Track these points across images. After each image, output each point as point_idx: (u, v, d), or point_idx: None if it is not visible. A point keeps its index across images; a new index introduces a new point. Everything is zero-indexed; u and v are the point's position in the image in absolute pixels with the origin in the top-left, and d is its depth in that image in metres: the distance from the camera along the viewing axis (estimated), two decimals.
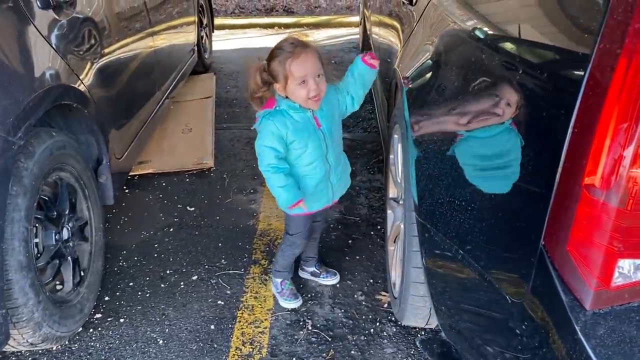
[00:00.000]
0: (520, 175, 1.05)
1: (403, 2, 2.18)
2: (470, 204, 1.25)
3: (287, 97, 1.73)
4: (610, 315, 0.89)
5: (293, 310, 2.09)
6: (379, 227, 2.57)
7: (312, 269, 2.22)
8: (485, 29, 1.35)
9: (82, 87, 2.03)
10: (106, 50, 2.30)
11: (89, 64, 2.13)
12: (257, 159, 1.78)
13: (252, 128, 1.82)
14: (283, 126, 1.72)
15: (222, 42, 5.87)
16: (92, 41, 2.19)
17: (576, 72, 0.91)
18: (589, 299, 0.89)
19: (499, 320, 1.20)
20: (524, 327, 1.07)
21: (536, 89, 1.02)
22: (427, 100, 1.56)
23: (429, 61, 1.62)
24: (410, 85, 1.72)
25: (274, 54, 1.70)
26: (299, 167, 1.80)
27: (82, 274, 2.05)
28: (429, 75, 1.61)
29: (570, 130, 0.90)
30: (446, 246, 1.38)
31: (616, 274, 0.88)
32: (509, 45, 1.19)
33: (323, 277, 2.22)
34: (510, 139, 1.09)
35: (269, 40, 6.06)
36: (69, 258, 1.94)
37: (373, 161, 3.17)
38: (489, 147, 1.20)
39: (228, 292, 2.18)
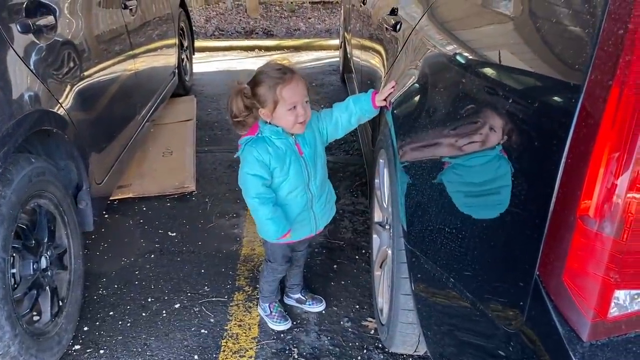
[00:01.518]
0: (512, 203, 1.04)
1: (387, 28, 2.20)
2: (461, 232, 1.24)
3: (269, 123, 1.71)
4: (608, 346, 0.88)
5: (282, 333, 2.06)
6: (363, 251, 2.55)
7: (298, 295, 2.19)
8: (473, 56, 1.36)
9: (61, 112, 1.99)
10: (86, 74, 2.27)
11: (68, 88, 2.09)
12: (242, 189, 1.75)
13: (234, 157, 1.79)
14: (265, 152, 1.70)
15: (203, 64, 5.86)
16: (72, 64, 2.16)
17: (568, 102, 0.91)
18: (586, 330, 0.88)
19: (491, 350, 1.19)
20: (518, 357, 1.05)
21: (528, 118, 1.02)
22: (415, 127, 1.56)
23: (416, 88, 1.63)
24: (396, 112, 1.72)
25: (259, 79, 1.68)
26: (280, 195, 1.78)
27: (61, 303, 1.98)
28: (416, 102, 1.61)
29: (563, 159, 0.90)
30: (436, 274, 1.37)
31: (613, 305, 0.87)
32: (500, 74, 1.20)
33: (309, 305, 2.18)
34: (501, 166, 1.09)
35: (250, 62, 6.08)
36: (47, 288, 1.88)
37: (356, 184, 3.16)
38: (480, 175, 1.19)
39: (212, 320, 2.13)
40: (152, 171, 3.28)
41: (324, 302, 2.20)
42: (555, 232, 0.93)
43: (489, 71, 1.26)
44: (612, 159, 0.85)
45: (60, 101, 2.00)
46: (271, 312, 2.10)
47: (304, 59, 6.22)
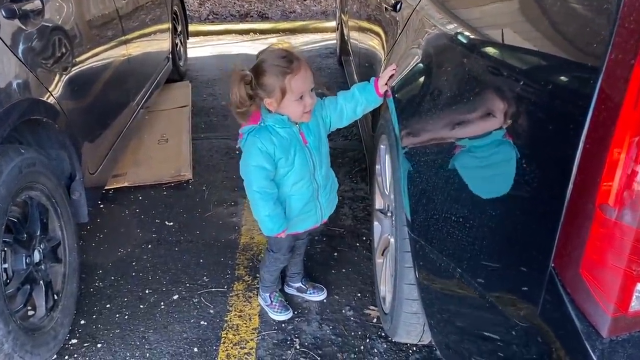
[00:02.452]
0: (525, 191, 0.99)
1: (386, 8, 2.13)
2: (469, 220, 1.19)
3: (273, 112, 1.64)
4: (629, 342, 0.84)
5: (283, 323, 2.03)
6: (364, 238, 2.50)
7: (298, 284, 2.15)
8: (479, 36, 1.30)
9: (51, 100, 1.92)
10: (77, 60, 2.20)
11: (58, 76, 2.02)
12: (244, 180, 1.69)
13: (237, 146, 1.73)
14: (269, 143, 1.63)
15: (197, 49, 5.76)
16: (62, 51, 2.08)
17: (585, 84, 0.85)
18: (606, 325, 0.84)
19: (501, 343, 1.15)
20: (530, 351, 1.01)
21: (541, 101, 0.97)
22: (418, 111, 1.50)
23: (419, 70, 1.56)
24: (398, 96, 1.66)
25: (264, 67, 1.58)
26: (285, 186, 1.71)
27: (56, 297, 1.93)
28: (419, 85, 1.55)
29: (581, 145, 0.84)
30: (442, 264, 1.32)
31: (634, 299, 0.83)
32: (509, 55, 1.14)
33: (310, 293, 2.14)
34: (513, 152, 1.04)
35: (245, 46, 5.99)
36: (41, 282, 1.83)
37: (355, 170, 3.11)
38: (489, 160, 1.14)
39: (211, 311, 2.09)
40: (147, 159, 3.22)
41: (325, 290, 2.16)
42: (572, 222, 0.88)
43: (497, 52, 1.20)
44: (634, 143, 0.80)
45: (49, 89, 1.93)
46: (272, 301, 2.06)
47: (300, 41, 6.12)
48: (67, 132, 2.05)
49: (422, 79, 1.56)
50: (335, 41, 5.50)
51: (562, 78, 0.95)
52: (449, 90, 1.34)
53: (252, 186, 1.67)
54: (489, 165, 1.17)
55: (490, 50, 1.23)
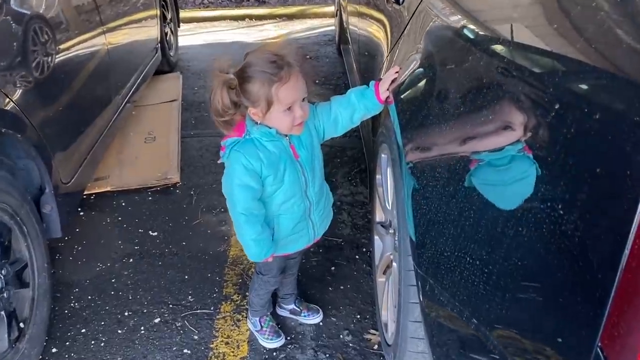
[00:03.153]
0: (564, 237, 0.78)
1: (387, 0, 1.90)
2: (488, 265, 0.99)
3: (259, 123, 1.43)
4: None
5: (274, 351, 1.84)
6: (364, 249, 2.31)
7: (292, 306, 1.96)
8: (505, 35, 1.08)
9: (11, 107, 1.71)
10: (45, 59, 1.98)
11: (21, 78, 1.81)
12: (227, 200, 1.49)
13: (218, 162, 1.52)
14: (255, 159, 1.42)
15: (190, 36, 5.52)
16: (27, 49, 1.87)
17: None
18: None
19: None
20: None
21: (589, 120, 0.76)
22: (427, 121, 1.29)
23: (427, 73, 1.35)
24: (402, 102, 1.45)
25: (250, 73, 1.37)
26: (273, 205, 1.52)
27: (22, 326, 1.75)
28: (427, 90, 1.33)
29: None
30: (454, 309, 1.12)
31: None
32: (541, 61, 0.93)
33: (304, 316, 1.95)
34: (550, 183, 0.83)
35: (240, 33, 5.74)
36: (2, 312, 1.64)
37: (355, 171, 2.90)
38: (518, 191, 0.93)
39: (195, 337, 1.90)
40: (133, 160, 3.01)
41: (320, 312, 1.97)
42: (630, 290, 0.67)
43: (526, 57, 0.98)
44: None
45: (10, 96, 1.72)
46: (262, 327, 1.87)
47: (297, 28, 5.87)
48: (34, 143, 1.85)
49: (430, 84, 1.35)
50: (334, 27, 5.26)
51: (612, 91, 0.74)
52: (464, 98, 1.13)
53: (236, 207, 1.47)
54: (515, 198, 0.96)
55: (515, 54, 1.02)
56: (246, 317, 1.95)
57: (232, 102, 1.39)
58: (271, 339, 1.86)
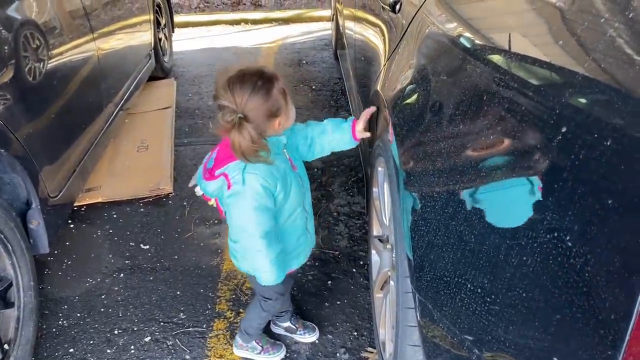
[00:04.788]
0: (574, 269, 0.73)
1: (383, 7, 1.85)
2: (490, 294, 0.93)
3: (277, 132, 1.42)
4: None
5: None
6: (361, 262, 2.25)
7: (287, 324, 1.89)
8: (505, 45, 1.03)
9: None
10: (29, 68, 1.92)
11: (4, 89, 1.75)
12: (239, 229, 1.41)
13: (227, 196, 1.39)
14: (271, 177, 1.38)
15: (185, 41, 5.46)
16: (9, 58, 1.80)
17: None
18: None
19: None
20: None
21: (601, 141, 0.70)
22: (425, 138, 1.24)
23: (425, 87, 1.30)
24: (398, 117, 1.39)
25: (257, 94, 1.31)
26: (279, 220, 1.48)
27: (7, 347, 1.69)
28: (425, 104, 1.28)
29: None
30: (455, 337, 1.06)
31: None
32: (544, 71, 0.87)
33: (300, 334, 1.89)
34: (556, 205, 0.77)
35: (236, 38, 5.68)
36: None
37: (352, 180, 2.84)
38: (519, 213, 0.87)
39: (187, 356, 1.84)
40: (125, 170, 2.95)
41: (317, 330, 1.90)
42: None
43: (527, 68, 0.93)
44: None
45: None
46: (262, 347, 1.81)
47: (293, 32, 5.81)
48: (20, 157, 1.79)
49: (428, 97, 1.29)
50: (330, 31, 5.21)
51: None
52: (463, 113, 1.07)
53: (255, 233, 1.39)
54: (517, 221, 0.90)
55: (516, 63, 0.96)
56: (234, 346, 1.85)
57: (259, 135, 1.34)
58: (275, 352, 1.82)
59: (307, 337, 1.88)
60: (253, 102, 1.31)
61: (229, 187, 1.38)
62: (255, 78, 1.33)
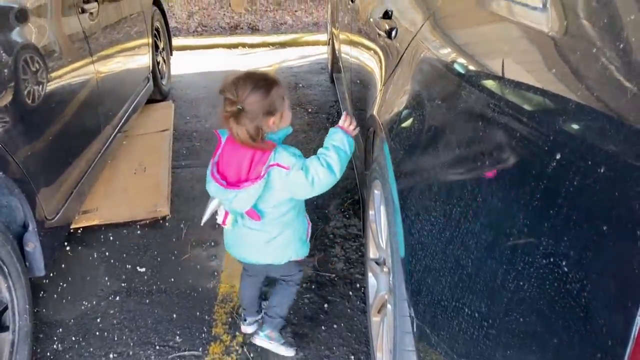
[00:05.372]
0: (571, 296, 0.73)
1: (379, 34, 1.88)
2: (488, 319, 0.94)
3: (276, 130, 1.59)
4: None
5: None
6: (358, 285, 2.24)
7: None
8: (500, 72, 1.05)
9: None
10: (28, 91, 1.93)
11: (5, 112, 1.77)
12: (303, 186, 1.55)
13: (289, 174, 1.53)
14: (298, 157, 1.58)
15: (183, 64, 5.51)
16: (9, 81, 1.82)
17: None
18: None
19: None
20: None
21: (597, 169, 0.72)
22: (421, 163, 1.25)
23: (421, 114, 1.31)
24: (395, 141, 1.41)
25: (258, 91, 1.49)
26: (301, 209, 1.73)
27: None
28: (421, 130, 1.30)
29: None
30: None
31: None
32: (538, 98, 0.89)
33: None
34: (555, 233, 0.78)
35: (234, 61, 5.74)
36: None
37: (348, 202, 2.85)
38: (518, 234, 0.88)
39: None
40: (122, 192, 2.95)
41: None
42: None
43: (524, 96, 0.95)
44: None
45: None
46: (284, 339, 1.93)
47: (290, 56, 5.88)
48: (17, 180, 1.79)
49: (423, 123, 1.31)
50: (326, 55, 5.27)
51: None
52: (459, 139, 1.09)
53: (327, 169, 1.55)
54: (515, 247, 0.91)
55: (512, 90, 0.98)
56: (270, 339, 1.89)
57: (256, 129, 1.50)
58: (290, 347, 1.92)
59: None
60: (252, 97, 1.48)
61: (289, 168, 1.53)
62: (258, 78, 1.52)
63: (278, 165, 1.53)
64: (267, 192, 1.57)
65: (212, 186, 1.59)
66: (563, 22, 0.90)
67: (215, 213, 1.70)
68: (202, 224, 1.77)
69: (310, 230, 1.79)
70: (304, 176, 1.53)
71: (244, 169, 1.53)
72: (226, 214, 1.66)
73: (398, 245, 1.31)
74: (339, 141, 1.59)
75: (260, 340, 1.88)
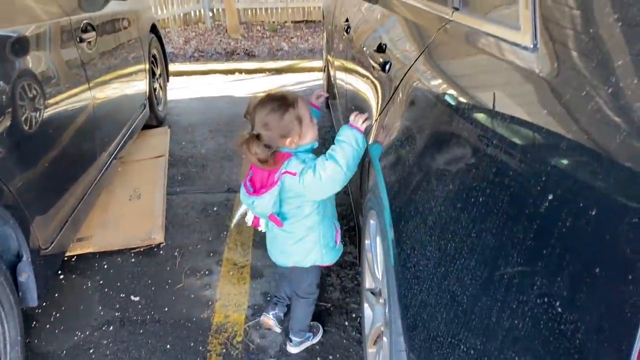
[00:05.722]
0: (569, 327, 0.74)
1: (373, 67, 1.90)
2: (484, 357, 0.93)
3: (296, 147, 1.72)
4: None
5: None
6: (354, 315, 2.23)
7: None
8: (493, 106, 1.06)
9: None
10: (25, 117, 1.94)
11: (1, 139, 1.77)
12: (320, 189, 1.66)
13: (299, 180, 1.64)
14: (311, 160, 1.69)
15: (180, 90, 5.54)
16: (6, 108, 1.82)
17: None
18: None
19: None
20: None
21: (585, 211, 0.72)
22: (416, 197, 1.26)
23: (417, 146, 1.33)
24: (390, 174, 1.42)
25: (270, 117, 1.65)
26: (330, 209, 1.89)
27: None
28: (416, 164, 1.31)
29: None
30: None
31: None
32: (530, 133, 0.90)
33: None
34: (550, 274, 0.79)
35: (230, 87, 5.78)
36: None
37: (344, 229, 2.85)
38: (512, 272, 0.88)
39: None
40: (117, 219, 2.94)
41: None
42: None
43: (518, 131, 0.96)
44: None
45: None
46: (312, 332, 2.10)
47: (286, 82, 5.93)
48: (11, 209, 1.79)
49: (420, 157, 1.32)
50: (322, 81, 5.32)
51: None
52: (454, 173, 1.10)
53: (322, 166, 1.62)
54: (512, 285, 0.92)
55: (507, 125, 0.99)
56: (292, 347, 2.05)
57: (265, 146, 1.64)
58: (318, 331, 2.12)
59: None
60: (266, 124, 1.65)
61: (296, 174, 1.64)
62: (274, 103, 1.66)
63: (288, 172, 1.65)
64: (287, 197, 1.72)
65: (241, 193, 1.76)
66: (553, 63, 0.92)
67: (244, 216, 1.91)
68: (231, 226, 1.94)
69: (339, 237, 1.90)
70: (312, 174, 1.62)
71: (265, 178, 1.70)
72: (256, 218, 1.88)
73: (394, 278, 1.31)
74: (345, 136, 1.66)
75: (291, 348, 2.06)
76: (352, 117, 1.72)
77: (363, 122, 1.70)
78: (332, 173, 1.61)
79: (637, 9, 0.78)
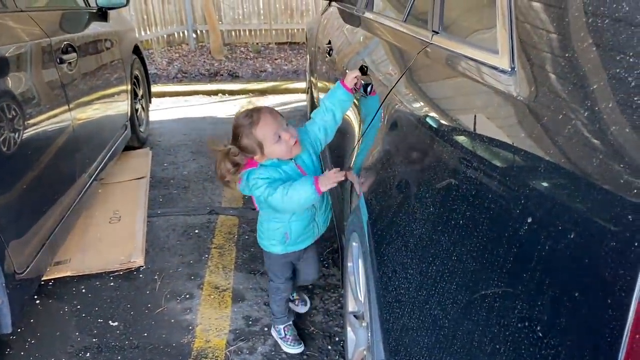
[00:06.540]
0: (550, 352, 0.73)
1: (355, 89, 1.91)
2: None
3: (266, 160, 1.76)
4: None
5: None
6: (337, 338, 2.20)
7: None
8: (475, 129, 1.07)
9: None
10: (4, 138, 1.91)
11: None
12: (264, 205, 1.76)
13: (239, 190, 1.78)
14: (276, 173, 1.72)
15: (162, 111, 5.52)
16: None
17: None
18: None
19: None
20: None
21: (570, 230, 0.72)
22: (398, 219, 1.25)
23: (398, 169, 1.32)
24: (371, 196, 1.41)
25: (237, 133, 1.72)
26: (286, 215, 1.83)
27: None
28: (397, 188, 1.30)
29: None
30: None
31: None
32: (513, 157, 0.90)
33: (294, 305, 2.31)
34: (532, 293, 0.78)
35: (213, 108, 5.77)
36: None
37: (327, 251, 2.83)
38: (494, 296, 0.87)
39: None
40: (96, 242, 2.89)
41: (308, 302, 2.36)
42: None
43: (503, 155, 0.96)
44: None
45: None
46: (285, 334, 2.13)
47: (270, 103, 5.94)
48: None
49: (400, 181, 1.32)
50: (305, 102, 5.34)
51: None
52: (436, 196, 1.09)
53: (275, 196, 1.68)
54: (494, 308, 0.91)
55: (490, 148, 0.99)
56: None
57: (234, 164, 1.71)
58: (293, 345, 2.11)
59: (300, 308, 2.32)
60: (233, 141, 1.72)
61: (240, 182, 1.76)
62: (240, 121, 1.71)
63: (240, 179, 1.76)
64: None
65: None
66: (531, 86, 0.93)
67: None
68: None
69: (289, 238, 1.89)
70: (261, 191, 1.71)
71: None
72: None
73: (376, 302, 1.29)
74: (304, 186, 1.67)
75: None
76: (326, 172, 1.71)
77: (332, 182, 1.66)
78: (274, 203, 1.70)
79: (612, 33, 0.79)
